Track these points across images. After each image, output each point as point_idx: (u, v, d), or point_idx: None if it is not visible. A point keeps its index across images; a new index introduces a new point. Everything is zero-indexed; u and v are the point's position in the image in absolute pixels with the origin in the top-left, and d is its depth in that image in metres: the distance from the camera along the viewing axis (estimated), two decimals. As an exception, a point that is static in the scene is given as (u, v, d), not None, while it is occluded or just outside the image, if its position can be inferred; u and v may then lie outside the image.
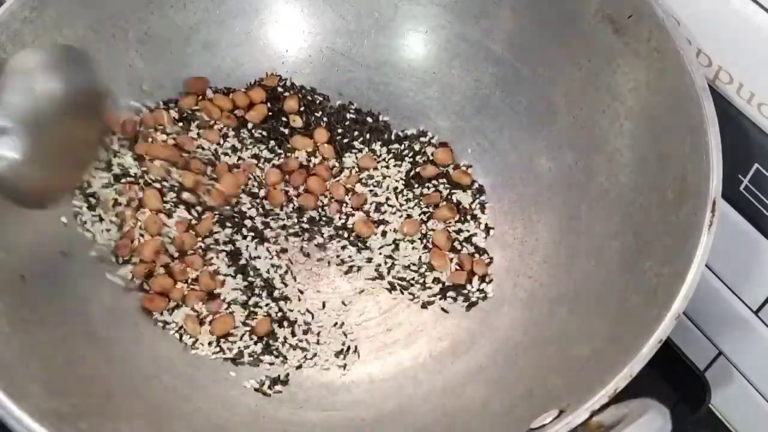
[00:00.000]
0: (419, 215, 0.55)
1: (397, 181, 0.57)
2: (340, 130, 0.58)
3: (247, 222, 0.54)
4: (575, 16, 0.50)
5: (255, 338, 0.51)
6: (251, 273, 0.53)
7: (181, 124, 0.56)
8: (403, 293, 0.53)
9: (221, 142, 0.56)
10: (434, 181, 0.56)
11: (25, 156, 0.39)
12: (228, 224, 0.54)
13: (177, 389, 0.47)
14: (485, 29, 0.56)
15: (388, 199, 0.56)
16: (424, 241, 0.55)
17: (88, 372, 0.44)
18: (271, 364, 0.50)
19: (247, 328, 0.51)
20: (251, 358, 0.50)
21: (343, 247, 0.55)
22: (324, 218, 0.55)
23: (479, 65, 0.56)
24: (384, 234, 0.55)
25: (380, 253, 0.54)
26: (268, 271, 0.53)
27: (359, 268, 0.54)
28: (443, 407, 0.48)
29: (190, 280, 0.52)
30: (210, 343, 0.50)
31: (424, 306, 0.53)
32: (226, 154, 0.56)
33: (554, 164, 0.53)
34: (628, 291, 0.43)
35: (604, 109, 0.49)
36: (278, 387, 0.49)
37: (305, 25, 0.59)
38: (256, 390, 0.49)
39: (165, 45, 0.55)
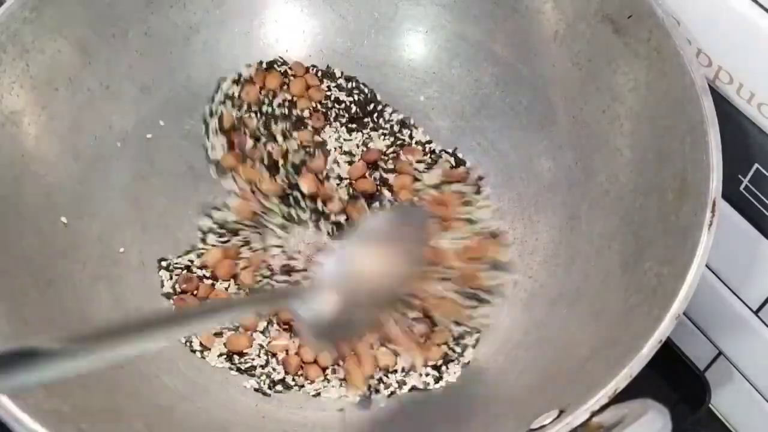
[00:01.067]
0: None
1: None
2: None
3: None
4: (575, 16, 0.50)
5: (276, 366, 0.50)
6: None
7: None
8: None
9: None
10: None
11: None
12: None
13: (177, 389, 0.47)
14: (485, 29, 0.56)
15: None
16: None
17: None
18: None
19: (271, 358, 0.50)
20: (267, 378, 0.50)
21: None
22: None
23: (479, 65, 0.56)
24: None
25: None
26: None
27: None
28: (443, 407, 0.48)
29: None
30: (220, 355, 0.50)
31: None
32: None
33: (554, 164, 0.53)
34: (628, 291, 0.43)
35: (604, 109, 0.49)
36: (278, 387, 0.49)
37: (305, 25, 0.59)
38: (256, 390, 0.49)
39: (165, 45, 0.55)
